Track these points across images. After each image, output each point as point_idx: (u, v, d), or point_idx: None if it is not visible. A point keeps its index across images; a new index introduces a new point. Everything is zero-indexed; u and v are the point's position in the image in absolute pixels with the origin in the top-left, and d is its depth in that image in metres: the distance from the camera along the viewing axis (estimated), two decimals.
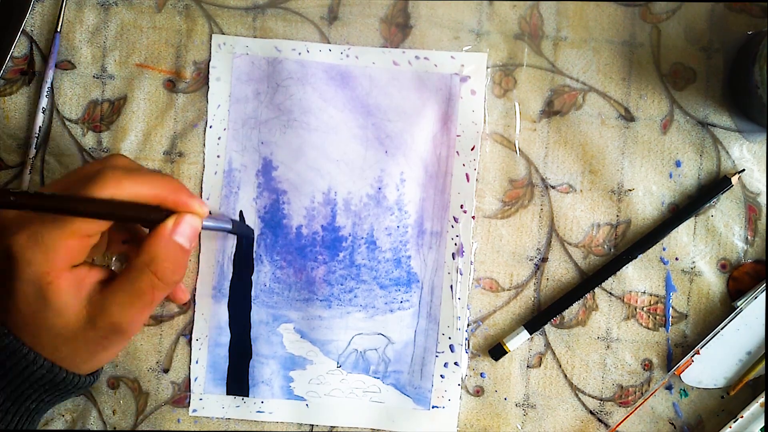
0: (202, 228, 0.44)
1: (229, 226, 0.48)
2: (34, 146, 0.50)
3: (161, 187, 0.42)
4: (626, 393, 0.50)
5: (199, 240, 0.51)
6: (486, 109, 0.50)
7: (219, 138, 0.51)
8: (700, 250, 0.50)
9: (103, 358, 0.44)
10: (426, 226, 0.51)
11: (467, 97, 0.50)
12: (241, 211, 0.50)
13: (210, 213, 0.48)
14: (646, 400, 0.50)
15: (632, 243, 0.50)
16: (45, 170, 0.51)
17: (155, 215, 0.42)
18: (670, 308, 0.50)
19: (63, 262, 0.40)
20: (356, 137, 0.50)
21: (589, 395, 0.51)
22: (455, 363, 0.51)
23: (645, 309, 0.50)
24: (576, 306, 0.50)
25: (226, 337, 0.51)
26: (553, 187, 0.50)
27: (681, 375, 0.49)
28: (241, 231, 0.50)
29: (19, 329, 0.41)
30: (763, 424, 0.49)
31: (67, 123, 0.51)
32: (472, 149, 0.50)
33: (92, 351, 0.43)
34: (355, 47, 0.50)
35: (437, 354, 0.51)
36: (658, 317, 0.50)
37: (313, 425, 0.52)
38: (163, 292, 0.43)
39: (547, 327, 0.51)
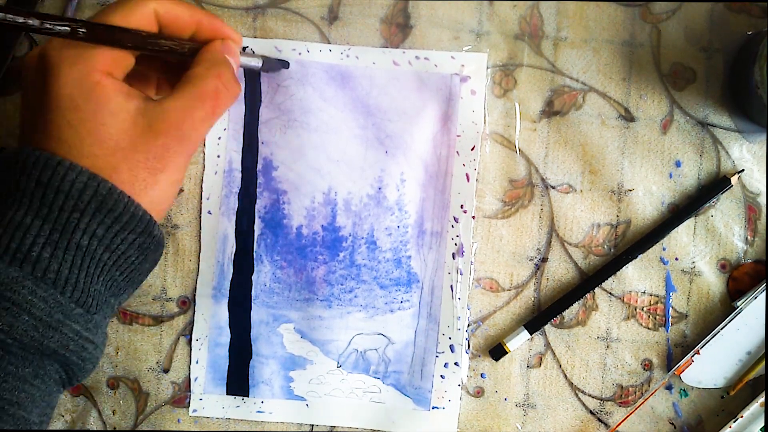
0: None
1: (259, 65, 0.46)
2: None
3: (198, 12, 0.41)
4: (626, 393, 0.50)
5: (199, 240, 0.51)
6: (486, 109, 0.50)
7: (219, 138, 0.51)
8: (699, 250, 0.50)
9: (163, 181, 0.38)
10: (426, 226, 0.51)
11: (467, 97, 0.50)
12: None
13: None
14: (646, 400, 0.50)
15: (632, 243, 0.50)
16: None
17: (192, 46, 0.41)
18: (670, 308, 0.50)
19: (106, 65, 0.37)
20: (356, 137, 0.50)
21: (589, 395, 0.51)
22: (455, 363, 0.51)
23: (645, 309, 0.50)
24: (576, 306, 0.50)
25: (226, 337, 0.51)
26: (553, 187, 0.50)
27: (681, 375, 0.49)
28: (272, 67, 0.48)
29: (68, 148, 0.36)
30: (763, 424, 0.49)
31: None
32: (472, 149, 0.50)
33: (152, 167, 0.38)
34: (355, 47, 0.50)
35: (437, 354, 0.51)
36: (658, 317, 0.50)
37: (313, 425, 0.52)
38: (226, 101, 0.40)
39: (547, 327, 0.51)
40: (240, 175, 0.51)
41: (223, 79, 0.40)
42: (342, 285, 0.51)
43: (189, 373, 0.51)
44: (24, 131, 0.39)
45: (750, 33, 0.49)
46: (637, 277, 0.50)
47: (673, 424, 0.51)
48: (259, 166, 0.51)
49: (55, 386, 0.38)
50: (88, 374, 0.39)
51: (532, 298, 0.51)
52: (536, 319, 0.50)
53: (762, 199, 0.50)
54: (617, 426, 0.50)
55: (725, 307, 0.50)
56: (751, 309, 0.49)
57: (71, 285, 0.36)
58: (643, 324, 0.50)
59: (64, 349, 0.36)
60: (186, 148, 0.39)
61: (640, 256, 0.50)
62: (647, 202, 0.50)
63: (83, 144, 0.36)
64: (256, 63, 0.46)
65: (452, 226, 0.51)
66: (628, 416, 0.50)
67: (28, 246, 0.35)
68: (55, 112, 0.36)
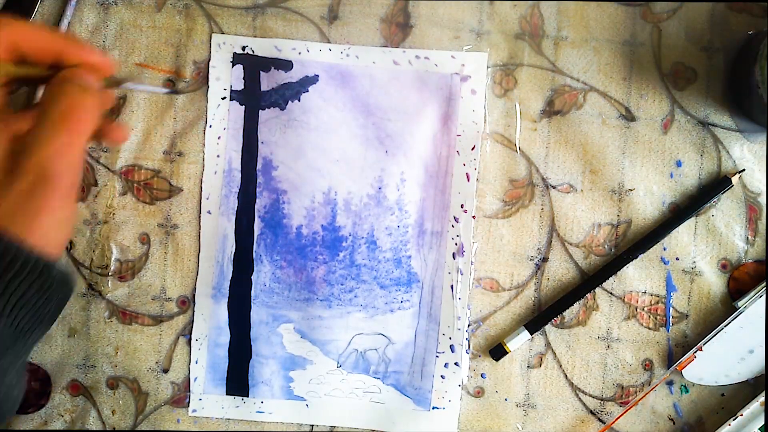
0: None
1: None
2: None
3: (61, 41, 0.38)
4: (627, 393, 0.50)
5: (199, 240, 0.51)
6: (486, 108, 0.50)
7: (219, 137, 0.51)
8: (700, 250, 0.50)
9: (45, 224, 0.35)
10: (426, 225, 0.51)
11: (468, 96, 0.50)
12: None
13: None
14: (647, 393, 0.50)
15: (633, 243, 0.50)
16: None
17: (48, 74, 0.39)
18: (671, 308, 0.50)
19: None
20: (356, 137, 0.50)
21: (590, 395, 0.51)
22: (456, 363, 0.51)
23: (645, 309, 0.50)
24: (576, 306, 0.50)
25: (225, 337, 0.51)
26: (553, 187, 0.50)
27: (683, 371, 0.49)
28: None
29: None
30: (762, 423, 0.49)
31: None
32: (473, 149, 0.50)
33: (25, 209, 0.35)
34: (355, 47, 0.50)
35: (438, 354, 0.51)
36: (658, 317, 0.50)
37: (312, 425, 0.51)
38: (82, 119, 0.36)
39: (548, 327, 0.51)
40: (239, 174, 0.51)
41: (69, 96, 0.37)
42: (342, 285, 0.51)
43: (188, 373, 0.51)
44: None
45: (751, 32, 0.49)
46: (638, 277, 0.50)
47: (672, 420, 0.51)
48: (259, 166, 0.51)
49: None
50: (10, 414, 0.38)
51: (533, 298, 0.51)
52: (537, 319, 0.50)
53: (762, 199, 0.50)
54: (617, 419, 0.50)
55: (726, 307, 0.50)
56: (752, 308, 0.49)
57: None
58: (644, 324, 0.50)
59: None
60: (57, 183, 0.35)
61: (641, 255, 0.50)
62: (648, 201, 0.50)
63: None
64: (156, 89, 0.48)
65: (452, 226, 0.50)
66: (628, 409, 0.50)
67: None
68: None
